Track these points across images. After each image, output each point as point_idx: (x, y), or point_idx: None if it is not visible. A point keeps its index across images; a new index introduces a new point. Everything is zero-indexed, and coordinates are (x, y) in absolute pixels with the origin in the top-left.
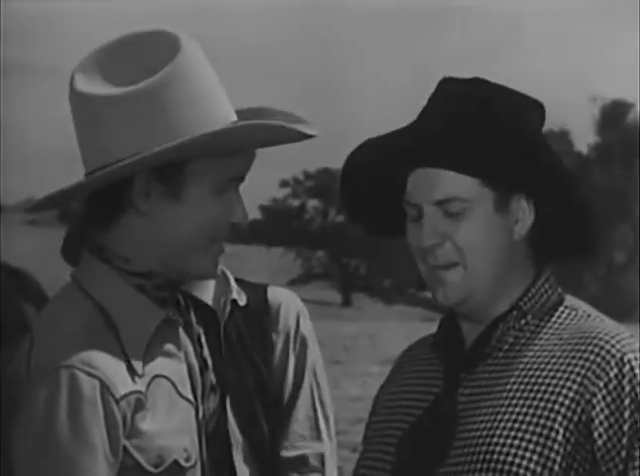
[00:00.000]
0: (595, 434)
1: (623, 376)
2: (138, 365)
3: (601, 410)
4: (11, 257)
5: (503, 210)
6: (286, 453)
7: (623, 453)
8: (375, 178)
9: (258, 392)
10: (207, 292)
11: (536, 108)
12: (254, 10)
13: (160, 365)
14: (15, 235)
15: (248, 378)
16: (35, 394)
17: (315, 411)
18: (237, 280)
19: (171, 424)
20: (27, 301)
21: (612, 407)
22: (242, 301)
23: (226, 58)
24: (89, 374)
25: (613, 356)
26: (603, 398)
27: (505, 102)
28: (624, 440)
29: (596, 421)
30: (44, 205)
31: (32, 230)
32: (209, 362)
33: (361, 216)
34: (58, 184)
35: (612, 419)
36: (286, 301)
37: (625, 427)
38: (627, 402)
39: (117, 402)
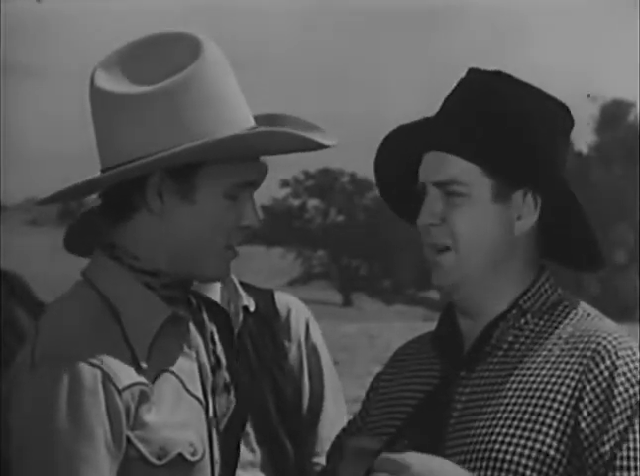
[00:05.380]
0: (583, 425)
1: (616, 368)
2: (142, 358)
3: (590, 401)
4: (11, 257)
5: (503, 202)
6: (320, 460)
7: (612, 442)
8: (398, 159)
9: (274, 398)
10: (212, 296)
11: (559, 110)
12: (259, 10)
13: (167, 361)
14: (15, 235)
15: (263, 384)
16: (36, 383)
17: (339, 416)
18: (241, 284)
19: (177, 419)
20: (18, 305)
21: (602, 397)
22: (251, 308)
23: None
24: (91, 364)
25: (608, 351)
26: (593, 389)
27: (518, 99)
28: (611, 431)
29: (585, 412)
30: (56, 199)
31: (32, 230)
32: (222, 360)
33: (389, 197)
34: (59, 185)
35: (602, 409)
36: (295, 308)
37: (612, 414)
38: (617, 391)
39: (119, 392)
